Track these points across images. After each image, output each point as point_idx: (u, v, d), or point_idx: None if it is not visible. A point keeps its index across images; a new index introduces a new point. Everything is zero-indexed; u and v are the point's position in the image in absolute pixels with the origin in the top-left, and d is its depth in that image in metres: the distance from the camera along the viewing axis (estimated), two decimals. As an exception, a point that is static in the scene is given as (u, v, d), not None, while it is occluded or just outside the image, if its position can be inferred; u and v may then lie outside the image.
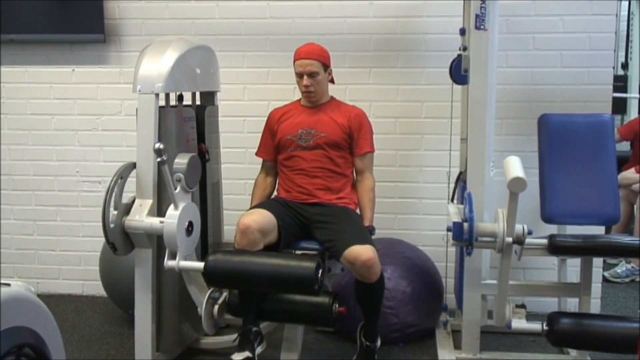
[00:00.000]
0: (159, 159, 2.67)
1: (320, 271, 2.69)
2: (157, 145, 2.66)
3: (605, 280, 4.22)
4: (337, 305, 2.84)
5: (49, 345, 1.90)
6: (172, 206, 2.81)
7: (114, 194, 2.81)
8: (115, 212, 2.82)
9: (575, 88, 3.65)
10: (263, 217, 2.90)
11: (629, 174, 4.57)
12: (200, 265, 2.80)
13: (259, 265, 2.76)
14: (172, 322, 3.06)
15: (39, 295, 1.94)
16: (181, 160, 2.86)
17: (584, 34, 3.62)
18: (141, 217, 2.84)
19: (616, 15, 3.65)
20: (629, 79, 6.02)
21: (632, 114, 5.91)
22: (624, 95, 5.88)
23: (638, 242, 2.86)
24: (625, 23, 6.13)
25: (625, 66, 6.14)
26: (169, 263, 2.81)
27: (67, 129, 4.01)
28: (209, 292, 2.92)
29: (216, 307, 2.93)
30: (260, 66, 3.84)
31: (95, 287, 3.97)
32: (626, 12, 6.11)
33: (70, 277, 4.12)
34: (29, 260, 4.13)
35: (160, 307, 3.01)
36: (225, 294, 2.99)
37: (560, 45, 3.64)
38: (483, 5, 2.82)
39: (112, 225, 2.80)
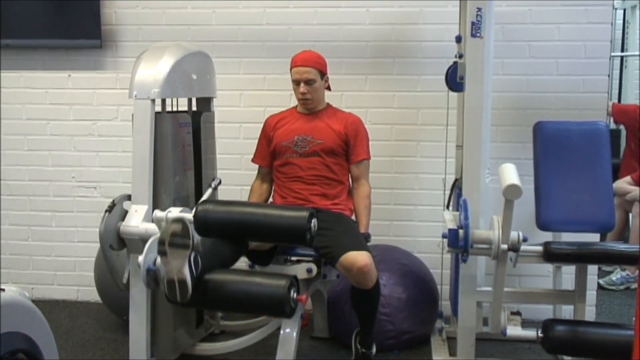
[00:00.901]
0: (214, 184, 3.19)
1: (313, 221, 2.64)
2: (216, 181, 3.24)
3: (600, 287, 4.22)
4: (295, 292, 2.57)
5: (43, 351, 1.89)
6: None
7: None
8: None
9: (570, 96, 3.66)
10: (259, 223, 2.90)
11: (622, 183, 4.56)
12: (189, 215, 2.76)
13: (250, 215, 2.73)
14: (167, 328, 3.05)
15: (33, 301, 1.93)
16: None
17: (580, 42, 3.63)
18: (136, 222, 2.83)
19: (611, 23, 3.66)
20: (623, 86, 6.05)
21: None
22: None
23: (633, 249, 2.87)
24: (621, 31, 6.16)
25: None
26: (157, 214, 2.78)
27: (63, 134, 4.01)
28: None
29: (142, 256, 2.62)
30: (257, 72, 3.85)
31: (90, 293, 3.96)
32: (621, 21, 6.13)
33: (65, 282, 4.11)
34: (24, 266, 4.12)
35: (154, 313, 3.00)
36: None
37: (556, 53, 3.66)
38: (479, 13, 2.83)
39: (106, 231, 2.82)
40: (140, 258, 2.62)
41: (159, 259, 2.55)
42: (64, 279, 4.11)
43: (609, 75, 3.69)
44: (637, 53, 5.79)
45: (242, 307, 2.74)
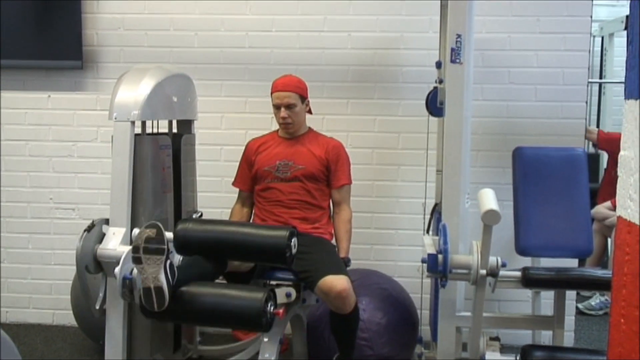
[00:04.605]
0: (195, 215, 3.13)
1: (292, 240, 2.66)
2: (197, 215, 3.18)
3: (579, 312, 4.24)
4: (272, 306, 2.57)
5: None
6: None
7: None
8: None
9: (549, 122, 3.71)
10: (238, 246, 2.89)
11: (602, 208, 4.60)
12: (169, 234, 2.73)
13: (230, 233, 2.74)
14: (144, 353, 3.01)
15: (7, 325, 1.90)
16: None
17: (558, 69, 3.69)
18: (114, 245, 2.80)
19: (589, 51, 3.72)
20: (601, 114, 6.12)
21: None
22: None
23: (610, 275, 2.88)
24: (599, 59, 6.25)
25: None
26: (136, 231, 2.73)
27: (41, 155, 3.97)
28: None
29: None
30: (238, 95, 3.85)
31: (66, 317, 3.89)
32: (599, 48, 6.23)
33: (41, 306, 4.03)
34: (-1, 289, 4.06)
35: (131, 337, 2.96)
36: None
37: (535, 79, 3.70)
38: (459, 39, 2.86)
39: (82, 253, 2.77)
40: (117, 269, 2.64)
41: (134, 270, 2.54)
42: (39, 302, 4.04)
43: (586, 102, 3.75)
44: (615, 80, 5.88)
45: (219, 321, 2.71)
